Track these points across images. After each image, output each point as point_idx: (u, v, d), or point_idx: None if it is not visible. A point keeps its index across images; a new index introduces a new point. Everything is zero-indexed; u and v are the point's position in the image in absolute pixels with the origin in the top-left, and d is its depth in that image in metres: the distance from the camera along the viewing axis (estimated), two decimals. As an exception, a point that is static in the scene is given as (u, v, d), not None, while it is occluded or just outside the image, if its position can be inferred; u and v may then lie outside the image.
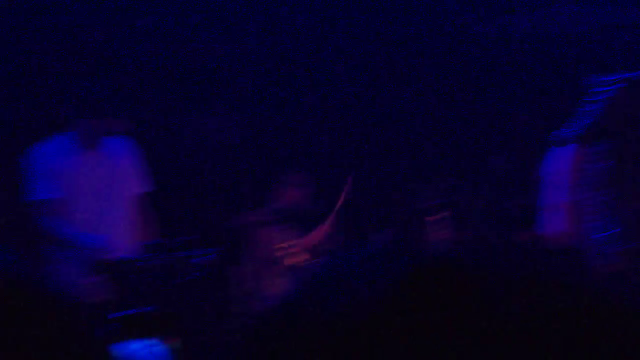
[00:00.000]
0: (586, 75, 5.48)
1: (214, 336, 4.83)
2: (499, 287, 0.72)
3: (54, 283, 0.90)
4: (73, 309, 0.89)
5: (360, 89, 7.97)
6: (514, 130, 8.18)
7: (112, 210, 5.09)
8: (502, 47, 8.17)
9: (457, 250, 0.77)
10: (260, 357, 0.74)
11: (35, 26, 7.13)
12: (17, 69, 7.08)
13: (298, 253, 5.95)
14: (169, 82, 7.35)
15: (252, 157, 7.43)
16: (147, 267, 4.75)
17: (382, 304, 0.71)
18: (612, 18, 7.76)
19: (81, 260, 4.82)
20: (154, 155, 5.66)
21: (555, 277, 0.75)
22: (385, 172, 7.82)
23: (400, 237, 6.27)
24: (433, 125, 8.27)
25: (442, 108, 8.31)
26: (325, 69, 7.83)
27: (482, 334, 0.69)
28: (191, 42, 7.40)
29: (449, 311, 0.70)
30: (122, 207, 5.15)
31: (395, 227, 6.69)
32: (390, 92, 8.12)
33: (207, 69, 7.45)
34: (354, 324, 0.71)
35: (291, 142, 7.68)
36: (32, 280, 0.89)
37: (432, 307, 0.71)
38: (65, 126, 5.14)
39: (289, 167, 6.67)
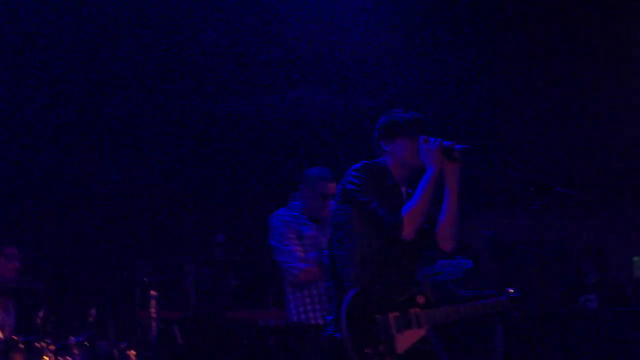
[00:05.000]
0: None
1: None
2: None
3: None
4: None
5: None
6: (237, 208, 8.24)
7: None
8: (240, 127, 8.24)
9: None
10: None
11: None
12: None
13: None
14: None
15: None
16: None
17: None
18: (345, 105, 8.07)
19: None
20: None
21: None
22: (105, 245, 7.64)
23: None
24: (161, 201, 8.19)
25: (169, 188, 8.26)
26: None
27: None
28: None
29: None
30: None
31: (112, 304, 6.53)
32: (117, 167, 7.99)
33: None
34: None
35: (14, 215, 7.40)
36: None
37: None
38: None
39: (5, 237, 6.40)
